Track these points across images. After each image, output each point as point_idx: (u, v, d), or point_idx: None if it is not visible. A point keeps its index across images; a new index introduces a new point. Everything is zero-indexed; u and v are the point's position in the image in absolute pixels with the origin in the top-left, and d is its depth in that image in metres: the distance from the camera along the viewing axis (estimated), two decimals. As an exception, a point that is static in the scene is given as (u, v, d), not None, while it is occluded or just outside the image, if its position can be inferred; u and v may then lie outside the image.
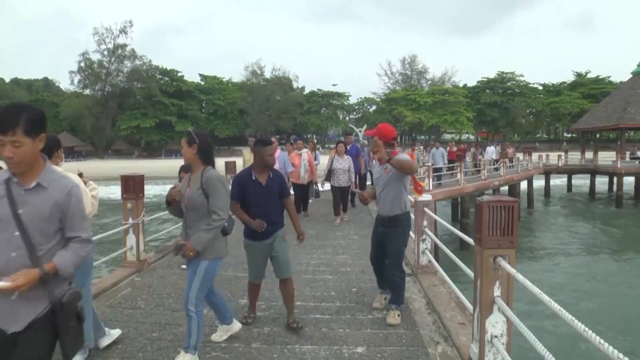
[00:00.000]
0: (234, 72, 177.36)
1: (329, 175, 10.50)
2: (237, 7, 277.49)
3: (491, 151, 24.69)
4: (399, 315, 4.57)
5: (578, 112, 70.04)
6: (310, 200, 11.74)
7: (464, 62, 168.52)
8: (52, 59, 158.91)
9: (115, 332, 4.14)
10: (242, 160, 10.65)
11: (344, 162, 10.39)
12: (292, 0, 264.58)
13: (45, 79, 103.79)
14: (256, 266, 4.45)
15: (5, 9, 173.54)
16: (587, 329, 2.09)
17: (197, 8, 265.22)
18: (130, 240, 6.33)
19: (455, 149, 23.35)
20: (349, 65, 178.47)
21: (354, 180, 10.64)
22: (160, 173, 37.02)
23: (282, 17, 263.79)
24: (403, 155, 4.47)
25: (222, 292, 5.51)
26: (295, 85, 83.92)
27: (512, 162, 25.75)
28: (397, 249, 4.71)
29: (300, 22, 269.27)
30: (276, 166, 8.96)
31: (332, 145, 11.33)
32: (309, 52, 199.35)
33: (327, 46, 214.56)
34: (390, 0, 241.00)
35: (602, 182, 33.02)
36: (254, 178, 4.33)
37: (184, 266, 6.63)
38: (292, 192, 10.37)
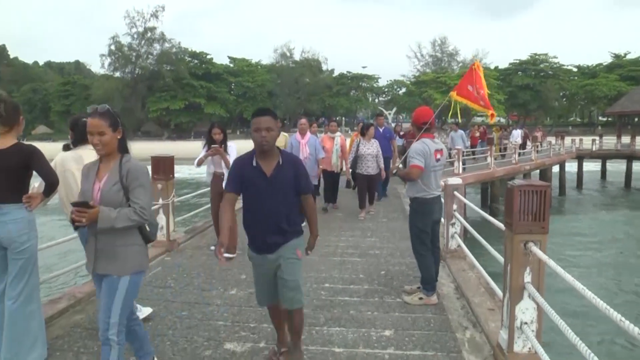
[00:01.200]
0: (263, 54, 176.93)
1: (355, 162, 9.24)
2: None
3: (517, 135, 24.23)
4: (420, 299, 4.57)
5: (615, 95, 67.67)
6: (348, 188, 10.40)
7: (496, 44, 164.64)
8: (83, 42, 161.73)
9: (147, 310, 4.25)
10: None
11: (372, 147, 9.11)
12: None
13: (77, 62, 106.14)
14: (260, 285, 3.35)
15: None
16: (623, 318, 2.03)
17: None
18: (161, 220, 6.44)
19: (477, 134, 23.13)
20: (378, 48, 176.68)
21: (383, 167, 9.36)
22: (190, 154, 37.33)
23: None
24: (407, 169, 4.72)
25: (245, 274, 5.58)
26: (324, 67, 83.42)
27: (541, 146, 25.16)
28: (409, 226, 4.89)
29: (330, 4, 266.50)
30: (306, 153, 8.55)
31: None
32: (338, 34, 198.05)
33: (357, 28, 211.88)
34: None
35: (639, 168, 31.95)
36: (254, 164, 3.11)
37: (213, 247, 6.73)
38: (321, 180, 9.58)
